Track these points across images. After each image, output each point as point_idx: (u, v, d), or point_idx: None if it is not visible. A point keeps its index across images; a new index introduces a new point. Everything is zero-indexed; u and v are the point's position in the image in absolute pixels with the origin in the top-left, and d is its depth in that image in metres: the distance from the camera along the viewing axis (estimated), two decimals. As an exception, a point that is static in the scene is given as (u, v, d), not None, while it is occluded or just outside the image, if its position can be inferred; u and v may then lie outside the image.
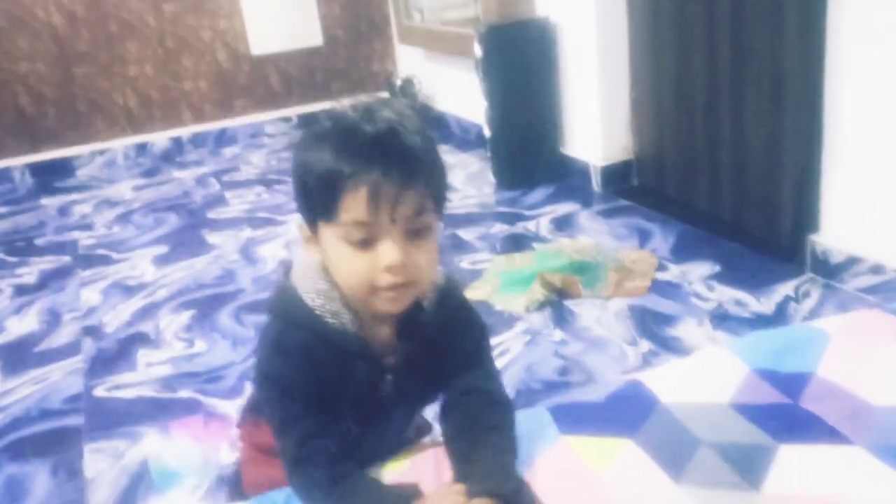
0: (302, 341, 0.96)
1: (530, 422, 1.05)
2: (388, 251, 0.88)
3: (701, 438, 0.96)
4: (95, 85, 4.19)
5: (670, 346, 2.04)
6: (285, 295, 0.99)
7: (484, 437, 0.97)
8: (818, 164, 2.21)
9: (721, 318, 2.14)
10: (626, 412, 1.03)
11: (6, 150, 4.09)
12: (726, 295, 2.26)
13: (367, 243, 0.89)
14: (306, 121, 4.67)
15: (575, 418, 1.04)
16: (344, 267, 0.92)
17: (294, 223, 0.99)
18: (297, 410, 0.97)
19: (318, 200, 0.91)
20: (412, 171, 0.88)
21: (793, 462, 0.90)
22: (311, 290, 0.97)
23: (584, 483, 0.91)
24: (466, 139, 4.08)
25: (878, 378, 1.01)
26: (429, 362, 1.02)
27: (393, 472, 0.99)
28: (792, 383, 1.02)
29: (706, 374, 1.08)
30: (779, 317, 2.11)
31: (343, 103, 0.95)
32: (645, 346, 2.06)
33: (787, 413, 0.97)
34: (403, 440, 1.13)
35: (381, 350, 1.00)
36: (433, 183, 0.92)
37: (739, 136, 2.54)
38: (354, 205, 0.87)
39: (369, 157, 0.87)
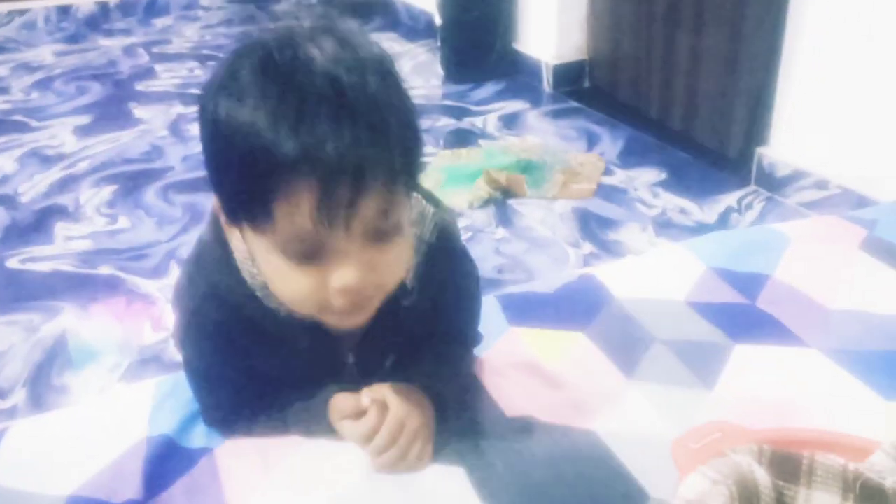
0: (228, 326, 0.75)
1: (477, 311, 1.00)
2: (343, 271, 0.64)
3: (655, 335, 0.92)
4: (13, -64, 3.84)
5: (612, 250, 2.02)
6: (216, 260, 0.74)
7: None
8: (774, 78, 2.17)
9: (664, 225, 2.12)
10: (578, 305, 0.99)
11: (-88, 2, 3.74)
12: (671, 202, 2.23)
13: (311, 255, 0.64)
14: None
15: (524, 309, 0.99)
16: (281, 284, 0.67)
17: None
18: (206, 395, 0.82)
19: (239, 193, 0.63)
20: (379, 152, 0.61)
21: (747, 362, 0.88)
22: (249, 258, 0.72)
23: (534, 374, 0.87)
24: (415, 28, 3.91)
25: (835, 282, 0.99)
26: (399, 328, 0.80)
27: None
28: (749, 284, 0.99)
29: (661, 271, 1.04)
30: (720, 226, 2.10)
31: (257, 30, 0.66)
32: (587, 248, 2.04)
33: (743, 313, 0.95)
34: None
35: (341, 335, 0.78)
36: (406, 157, 0.64)
37: (698, 45, 2.46)
38: (291, 211, 0.60)
39: (313, 139, 0.58)
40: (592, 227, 2.14)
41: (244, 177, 0.61)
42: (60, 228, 2.15)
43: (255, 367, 0.80)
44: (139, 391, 0.88)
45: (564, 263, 1.97)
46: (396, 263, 0.69)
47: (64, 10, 4.00)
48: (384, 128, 0.62)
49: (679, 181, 2.35)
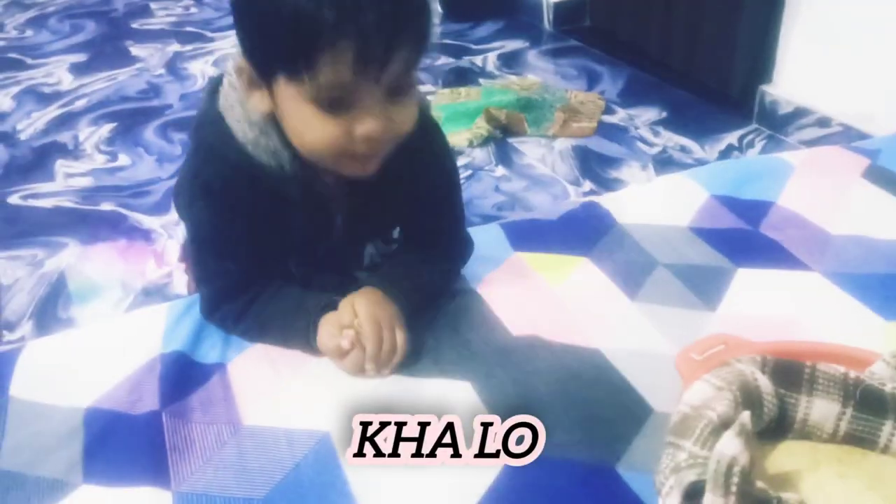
0: (227, 182, 0.81)
1: (481, 238, 1.01)
2: (369, 120, 0.74)
3: (658, 259, 0.93)
4: None
5: (613, 188, 2.02)
6: (210, 123, 0.82)
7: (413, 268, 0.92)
8: (779, 15, 2.15)
9: (664, 163, 2.12)
10: (582, 231, 1.00)
11: None
12: (671, 141, 2.23)
13: (341, 105, 0.73)
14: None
15: (528, 235, 1.00)
16: (309, 132, 0.76)
17: (231, 59, 0.82)
18: (215, 265, 0.86)
19: (283, 50, 0.72)
20: (407, 19, 0.72)
21: (749, 284, 0.89)
22: (241, 120, 0.80)
23: (539, 296, 0.89)
24: (413, -34, 3.84)
25: (837, 209, 1.00)
26: (384, 200, 0.89)
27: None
28: (752, 210, 1.01)
29: (664, 199, 1.05)
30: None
31: None
32: (587, 186, 2.04)
33: (745, 238, 0.96)
34: (354, 278, 0.99)
35: (326, 192, 0.86)
36: (425, 29, 0.75)
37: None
38: (335, 64, 0.70)
39: (358, 2, 0.69)
40: (592, 165, 2.14)
41: (290, 37, 0.70)
42: (60, 166, 2.15)
43: (254, 232, 0.84)
44: (152, 313, 0.89)
45: (564, 199, 1.98)
46: (408, 116, 0.78)
47: (55, -53, 3.92)
48: (412, 8, 0.73)
49: (680, 119, 2.34)
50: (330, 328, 0.83)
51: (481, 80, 2.65)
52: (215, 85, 0.84)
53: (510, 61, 2.81)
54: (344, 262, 0.96)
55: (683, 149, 2.19)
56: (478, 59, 2.82)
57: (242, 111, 0.80)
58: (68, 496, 0.66)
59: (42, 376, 0.77)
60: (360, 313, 0.83)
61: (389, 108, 0.75)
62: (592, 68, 2.72)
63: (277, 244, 0.87)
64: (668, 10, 2.59)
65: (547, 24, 3.05)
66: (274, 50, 0.74)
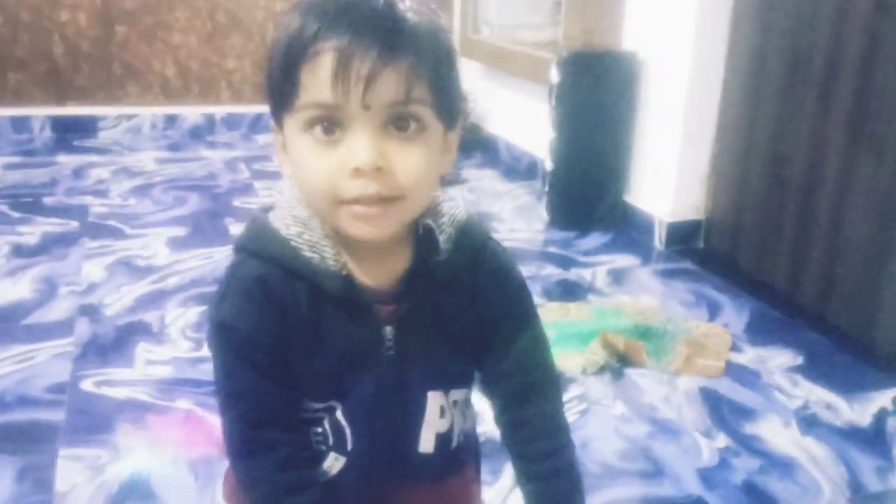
0: (261, 274, 0.73)
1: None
2: (357, 146, 0.66)
3: None
4: (135, 47, 3.94)
5: (751, 446, 1.76)
6: (255, 225, 0.77)
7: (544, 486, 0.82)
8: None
9: (809, 423, 1.85)
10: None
11: (29, 99, 3.83)
12: (813, 394, 1.97)
13: (332, 135, 0.67)
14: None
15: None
16: (304, 168, 0.69)
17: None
18: (246, 378, 0.74)
19: (276, 79, 0.69)
20: (397, 40, 0.65)
21: None
22: (286, 217, 0.74)
23: None
24: (516, 168, 3.82)
25: None
26: (443, 319, 0.77)
27: None
28: None
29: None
30: (876, 431, 1.83)
31: None
32: (722, 440, 1.78)
33: None
34: (417, 456, 0.79)
35: (377, 297, 0.75)
36: (429, 63, 0.68)
37: (839, 222, 2.26)
38: (315, 79, 0.66)
39: (340, 15, 0.65)
40: (725, 413, 1.88)
41: (280, 60, 0.68)
42: (141, 349, 2.00)
43: (282, 353, 0.74)
44: None
45: (696, 457, 1.71)
46: (414, 163, 0.68)
47: (171, 119, 4.05)
48: (404, 27, 0.66)
49: (818, 369, 2.09)
50: None
51: (591, 297, 2.47)
52: (269, 206, 0.80)
53: (620, 277, 2.64)
54: (400, 415, 0.78)
55: (829, 406, 1.92)
56: (586, 273, 2.66)
57: (287, 209, 0.75)
58: None
59: None
60: None
61: (388, 145, 0.67)
62: (711, 295, 2.52)
63: (315, 361, 0.74)
64: (799, 244, 2.42)
65: (658, 243, 2.91)
66: (272, 81, 0.70)
